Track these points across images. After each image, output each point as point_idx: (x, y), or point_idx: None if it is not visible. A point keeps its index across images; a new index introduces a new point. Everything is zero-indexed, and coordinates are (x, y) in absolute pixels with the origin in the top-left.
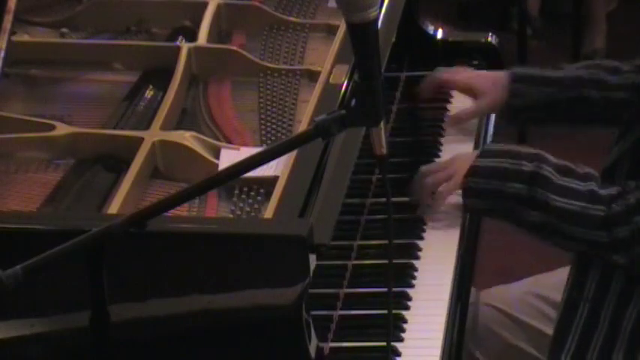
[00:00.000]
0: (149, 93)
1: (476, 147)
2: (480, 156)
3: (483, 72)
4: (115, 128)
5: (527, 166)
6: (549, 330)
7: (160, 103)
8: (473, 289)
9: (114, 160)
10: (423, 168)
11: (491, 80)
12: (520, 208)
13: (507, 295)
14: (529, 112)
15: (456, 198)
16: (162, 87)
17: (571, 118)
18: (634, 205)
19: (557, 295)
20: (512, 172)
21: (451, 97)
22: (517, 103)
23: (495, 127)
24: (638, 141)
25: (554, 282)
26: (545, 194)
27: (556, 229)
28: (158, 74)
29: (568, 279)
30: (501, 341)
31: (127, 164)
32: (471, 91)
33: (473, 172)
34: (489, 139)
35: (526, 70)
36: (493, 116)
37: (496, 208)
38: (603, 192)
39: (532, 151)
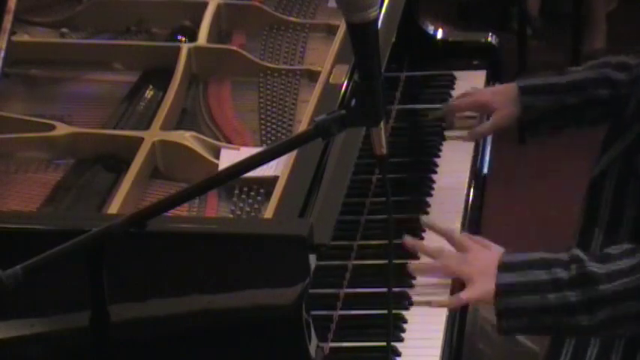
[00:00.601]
0: (149, 93)
1: (476, 148)
2: (502, 269)
3: (494, 88)
4: (114, 128)
5: (564, 272)
6: None
7: (160, 102)
8: None
9: (114, 160)
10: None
11: (503, 95)
12: (568, 317)
13: None
14: (545, 121)
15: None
16: (163, 87)
17: (584, 119)
18: None
19: None
20: (551, 283)
21: (451, 97)
22: (530, 115)
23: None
24: (628, 148)
25: None
26: (596, 289)
27: (621, 315)
28: (158, 74)
29: None
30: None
31: (127, 164)
32: (485, 109)
33: (502, 291)
34: (489, 139)
35: (531, 80)
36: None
37: (537, 324)
38: None
39: (560, 256)
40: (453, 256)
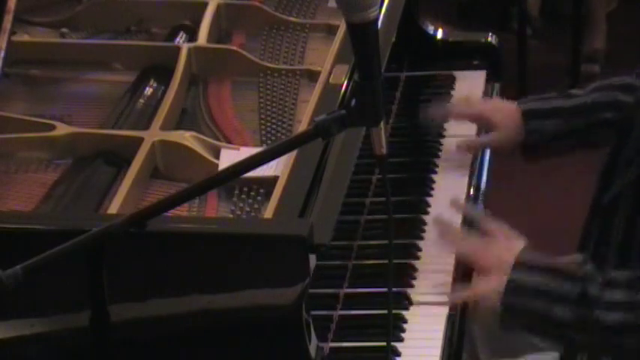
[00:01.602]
0: (149, 90)
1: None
2: (516, 268)
3: (496, 103)
4: (114, 126)
5: (573, 289)
6: None
7: (160, 99)
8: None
9: (114, 156)
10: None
11: (506, 116)
12: (567, 332)
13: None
14: (549, 145)
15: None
16: (164, 81)
17: (588, 142)
18: None
19: None
20: (557, 295)
21: (451, 96)
22: (534, 139)
23: None
24: (637, 179)
25: None
26: (595, 314)
27: (613, 345)
28: (158, 70)
29: None
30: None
31: (128, 162)
32: (485, 124)
33: (511, 288)
34: None
35: (536, 104)
36: None
37: (537, 329)
38: None
39: (574, 270)
40: (475, 243)
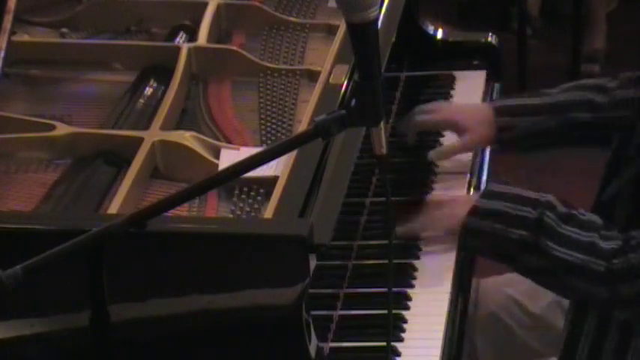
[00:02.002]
0: (149, 90)
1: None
2: (483, 196)
3: (465, 106)
4: (114, 126)
5: (532, 213)
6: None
7: (160, 99)
8: (474, 280)
9: (114, 156)
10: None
11: (475, 116)
12: (520, 254)
13: (523, 285)
14: (521, 142)
15: None
16: (163, 82)
17: (564, 142)
18: (637, 265)
19: None
20: (517, 218)
21: (451, 96)
22: (506, 136)
23: None
24: (637, 175)
25: None
26: (547, 243)
27: (556, 278)
28: (158, 70)
29: (567, 315)
30: (507, 331)
31: (128, 162)
32: (453, 129)
33: (474, 212)
34: None
35: (507, 101)
36: None
37: (494, 250)
38: (605, 245)
39: (538, 197)
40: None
